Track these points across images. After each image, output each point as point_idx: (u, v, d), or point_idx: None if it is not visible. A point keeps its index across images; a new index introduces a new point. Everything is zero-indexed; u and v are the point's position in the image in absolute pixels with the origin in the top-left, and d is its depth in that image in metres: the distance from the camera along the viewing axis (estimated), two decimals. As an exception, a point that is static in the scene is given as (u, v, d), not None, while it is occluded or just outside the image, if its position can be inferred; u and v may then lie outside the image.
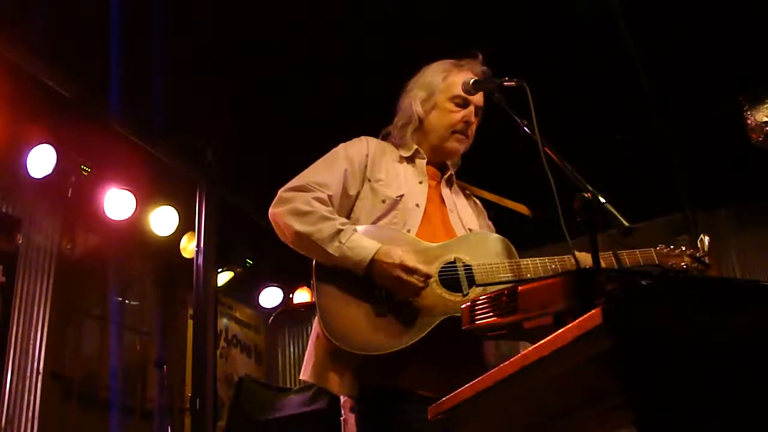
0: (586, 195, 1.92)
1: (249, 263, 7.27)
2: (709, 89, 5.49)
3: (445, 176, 2.96)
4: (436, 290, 2.52)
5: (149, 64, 4.81)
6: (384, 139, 3.00)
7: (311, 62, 5.13)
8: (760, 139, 5.46)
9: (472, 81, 2.73)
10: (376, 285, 2.52)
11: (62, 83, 5.01)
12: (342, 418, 2.67)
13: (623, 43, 5.03)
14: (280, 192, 2.72)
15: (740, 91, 5.54)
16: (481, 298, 1.83)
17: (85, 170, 5.47)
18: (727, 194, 6.61)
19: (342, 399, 2.67)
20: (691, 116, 5.76)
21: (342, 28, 4.89)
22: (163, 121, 5.40)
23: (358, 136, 2.96)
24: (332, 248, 2.53)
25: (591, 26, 4.94)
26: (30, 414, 5.24)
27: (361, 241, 2.54)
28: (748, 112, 5.50)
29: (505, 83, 2.55)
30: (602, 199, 1.93)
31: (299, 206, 2.62)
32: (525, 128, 2.39)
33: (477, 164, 3.08)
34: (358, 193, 2.79)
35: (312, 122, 5.28)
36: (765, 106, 5.46)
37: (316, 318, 2.53)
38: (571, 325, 1.39)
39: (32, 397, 5.29)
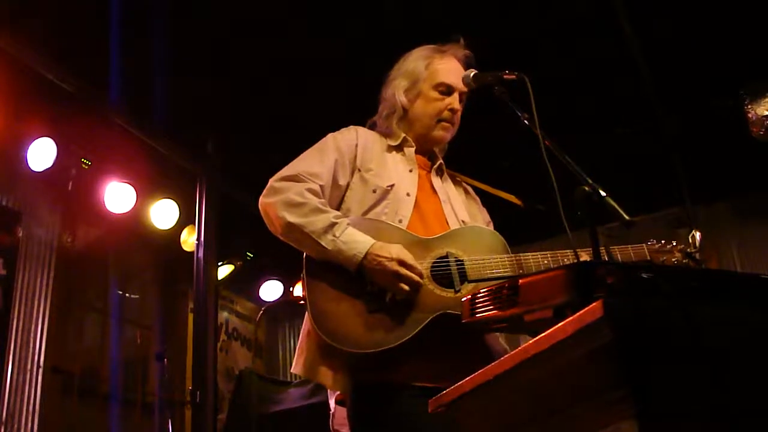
0: (586, 188, 1.92)
1: (249, 256, 7.27)
2: (709, 83, 5.49)
3: (435, 166, 2.91)
4: (428, 286, 2.49)
5: (149, 58, 4.81)
6: (371, 128, 2.95)
7: (311, 57, 5.13)
8: (761, 132, 5.45)
9: (472, 74, 2.70)
10: (368, 281, 2.48)
11: (63, 77, 5.01)
12: (330, 412, 2.66)
13: (624, 36, 5.02)
14: (271, 182, 2.67)
15: (741, 85, 5.54)
16: (481, 291, 1.83)
17: (85, 163, 5.47)
18: (728, 187, 6.61)
19: (330, 392, 2.66)
20: (691, 110, 5.76)
21: (342, 26, 4.89)
22: (163, 115, 5.40)
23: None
24: (325, 241, 2.48)
25: (592, 20, 4.94)
26: (30, 407, 5.24)
27: (356, 235, 2.50)
28: (749, 106, 5.49)
29: (506, 76, 2.52)
30: (603, 193, 1.92)
31: (292, 197, 2.57)
32: (526, 122, 2.37)
33: (475, 159, 3.07)
34: (348, 184, 2.74)
35: (313, 116, 5.27)
36: (766, 99, 5.45)
37: (307, 313, 2.50)
38: (571, 318, 1.39)
39: (33, 391, 5.30)
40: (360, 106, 2.95)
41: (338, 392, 2.59)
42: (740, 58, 5.28)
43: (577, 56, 5.25)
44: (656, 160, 6.07)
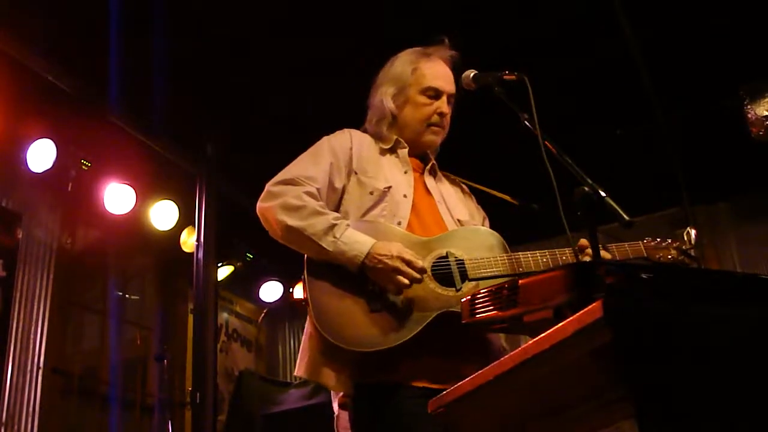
0: (585, 189, 1.92)
1: (249, 257, 7.27)
2: (709, 83, 5.48)
3: (428, 167, 2.92)
4: (429, 285, 2.50)
5: (149, 59, 4.81)
6: (365, 132, 2.95)
7: (312, 57, 5.13)
8: (761, 132, 5.46)
9: (472, 75, 2.69)
10: (370, 280, 2.49)
11: (62, 78, 5.01)
12: (335, 414, 2.65)
13: (624, 36, 5.02)
14: (268, 186, 2.68)
15: (740, 85, 5.54)
16: (481, 291, 1.83)
17: (85, 165, 5.47)
18: (727, 188, 6.61)
19: (333, 395, 2.65)
20: (691, 110, 5.75)
21: (342, 26, 4.89)
22: (162, 116, 5.40)
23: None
24: (326, 243, 2.49)
25: (592, 20, 4.94)
26: (30, 408, 5.24)
27: (357, 236, 2.51)
28: (749, 106, 5.49)
29: (505, 77, 2.52)
30: (603, 193, 1.92)
31: (290, 201, 2.58)
32: (525, 122, 2.37)
33: (476, 159, 3.07)
34: (344, 187, 2.75)
35: (313, 117, 5.27)
36: (765, 99, 5.45)
37: (309, 314, 2.50)
38: (571, 318, 1.39)
39: (33, 392, 5.30)
40: (360, 107, 2.95)
41: (341, 394, 2.58)
42: (740, 58, 5.28)
43: (577, 56, 5.25)
44: (656, 160, 6.07)
